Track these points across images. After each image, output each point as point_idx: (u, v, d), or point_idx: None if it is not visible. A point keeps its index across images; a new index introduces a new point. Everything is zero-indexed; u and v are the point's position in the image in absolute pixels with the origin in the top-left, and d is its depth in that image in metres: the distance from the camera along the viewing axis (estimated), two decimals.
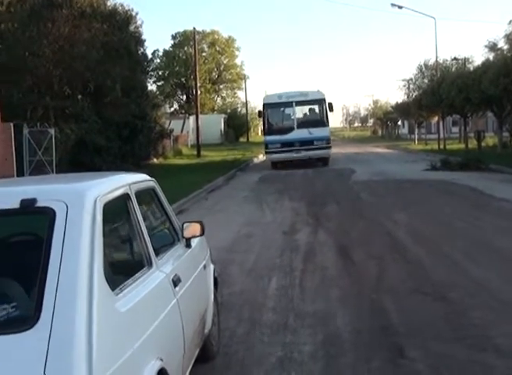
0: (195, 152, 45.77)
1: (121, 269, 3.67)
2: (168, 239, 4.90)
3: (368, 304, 7.58)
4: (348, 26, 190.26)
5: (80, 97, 28.99)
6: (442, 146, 44.81)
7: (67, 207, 3.26)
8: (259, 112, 34.91)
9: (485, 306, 7.24)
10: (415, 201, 16.53)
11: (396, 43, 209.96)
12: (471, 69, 47.48)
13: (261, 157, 40.56)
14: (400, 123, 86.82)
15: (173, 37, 75.35)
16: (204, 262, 5.70)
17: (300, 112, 33.86)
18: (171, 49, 73.90)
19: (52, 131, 23.39)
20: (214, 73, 77.58)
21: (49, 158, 23.31)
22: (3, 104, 22.25)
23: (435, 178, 22.57)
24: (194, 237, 5.23)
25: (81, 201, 3.37)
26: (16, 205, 3.32)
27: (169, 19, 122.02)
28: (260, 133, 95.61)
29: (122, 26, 29.52)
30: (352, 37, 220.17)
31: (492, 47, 66.81)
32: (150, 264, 4.07)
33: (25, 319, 2.92)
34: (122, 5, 30.48)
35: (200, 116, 47.61)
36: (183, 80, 74.00)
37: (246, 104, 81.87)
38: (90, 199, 3.42)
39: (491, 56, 60.33)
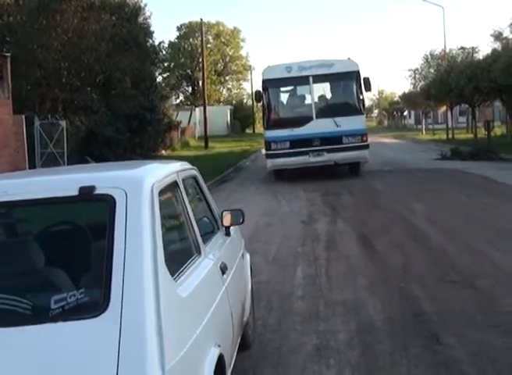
0: (202, 144, 45.77)
1: (176, 256, 3.67)
2: (210, 227, 4.90)
3: (396, 291, 7.62)
4: (354, 15, 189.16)
5: (89, 89, 29.03)
6: (450, 136, 44.70)
7: (126, 194, 3.25)
8: (256, 93, 22.74)
9: None
10: (430, 190, 16.52)
11: (401, 33, 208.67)
12: (478, 58, 47.46)
13: None
14: (406, 113, 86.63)
15: (178, 29, 75.45)
16: (241, 251, 5.72)
17: (321, 92, 22.36)
18: (176, 41, 73.78)
19: (63, 123, 23.49)
20: (219, 65, 77.53)
21: (60, 150, 23.40)
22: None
23: (448, 167, 22.55)
24: (234, 225, 5.23)
25: (140, 188, 3.37)
26: (74, 192, 3.31)
27: (174, 11, 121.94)
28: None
29: (131, 17, 29.58)
30: (357, 27, 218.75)
31: (498, 36, 66.74)
32: (199, 252, 4.08)
33: (94, 304, 2.93)
34: None
35: (206, 107, 47.56)
36: (188, 71, 73.96)
37: (252, 95, 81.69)
38: (148, 186, 3.42)
39: (496, 45, 60.31)
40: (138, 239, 3.12)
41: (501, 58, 29.62)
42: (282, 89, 22.82)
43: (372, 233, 11.22)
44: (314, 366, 5.52)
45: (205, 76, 46.90)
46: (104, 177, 3.71)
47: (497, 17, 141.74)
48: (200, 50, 67.50)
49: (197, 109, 60.19)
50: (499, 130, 44.34)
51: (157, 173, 3.85)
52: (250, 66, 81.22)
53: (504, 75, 28.43)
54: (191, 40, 73.75)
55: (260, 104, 23.41)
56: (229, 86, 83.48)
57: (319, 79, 21.22)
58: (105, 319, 2.85)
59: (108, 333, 2.80)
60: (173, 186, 4.03)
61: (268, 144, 21.10)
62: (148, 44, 31.64)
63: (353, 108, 20.99)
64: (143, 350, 2.78)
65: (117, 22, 28.02)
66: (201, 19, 48.29)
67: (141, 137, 30.60)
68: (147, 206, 3.30)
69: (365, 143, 20.61)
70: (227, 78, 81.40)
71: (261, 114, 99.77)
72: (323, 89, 22.32)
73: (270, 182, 21.17)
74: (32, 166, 21.54)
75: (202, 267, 3.97)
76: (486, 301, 7.06)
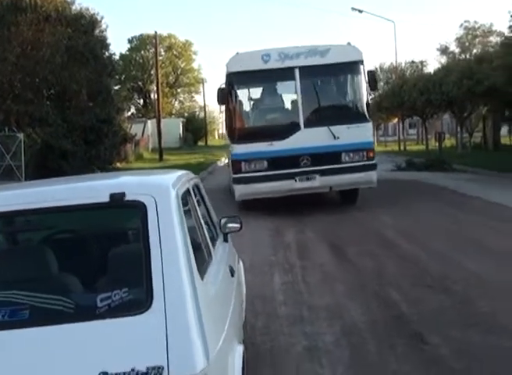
0: (156, 156, 45.73)
1: (198, 258, 3.92)
2: (212, 233, 5.16)
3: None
4: (305, 28, 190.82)
5: (44, 101, 28.87)
6: (402, 147, 45.62)
7: (155, 201, 3.47)
8: (219, 92, 15.81)
9: (486, 296, 7.66)
10: (392, 200, 16.82)
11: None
12: (427, 71, 48.59)
13: (224, 160, 40.63)
14: None
15: (129, 41, 75.35)
16: (237, 256, 5.98)
17: (312, 90, 15.62)
18: (127, 53, 73.61)
19: (21, 136, 23.40)
20: (171, 77, 77.58)
21: (18, 163, 23.29)
22: None
23: (405, 178, 23.00)
24: (232, 232, 5.49)
25: (168, 194, 3.62)
26: (105, 198, 3.53)
27: (124, 23, 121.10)
28: (218, 137, 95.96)
29: (88, 29, 29.51)
30: (310, 40, 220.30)
31: (444, 50, 68.32)
32: (210, 255, 4.34)
33: (139, 302, 3.16)
34: (87, 9, 30.50)
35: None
36: (139, 83, 73.86)
37: (204, 107, 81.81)
38: (174, 193, 3.68)
39: (442, 59, 61.69)
40: (172, 241, 3.36)
41: (453, 73, 30.43)
42: (257, 86, 16.90)
43: (345, 244, 11.55)
44: (308, 365, 5.81)
45: (159, 88, 46.88)
46: (132, 184, 3.94)
47: (443, 32, 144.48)
48: (151, 62, 67.91)
49: (149, 122, 60.10)
50: (448, 141, 45.38)
51: (176, 180, 4.10)
52: (202, 79, 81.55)
53: (456, 88, 29.27)
54: (142, 52, 73.72)
55: (224, 107, 16.57)
56: (181, 98, 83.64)
57: (309, 72, 15.08)
58: (151, 316, 3.08)
59: (155, 328, 3.03)
60: (187, 193, 4.29)
61: (236, 165, 15.04)
62: (105, 56, 31.60)
63: (357, 114, 15.47)
64: (189, 343, 3.02)
65: (73, 34, 27.93)
66: (156, 32, 48.32)
67: (98, 150, 30.48)
68: (176, 211, 3.55)
69: (372, 162, 15.10)
70: (179, 91, 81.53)
71: (213, 126, 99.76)
72: (314, 86, 15.73)
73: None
74: None
75: (217, 269, 4.23)
76: (462, 303, 7.44)
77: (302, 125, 14.82)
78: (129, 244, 3.95)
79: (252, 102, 17.17)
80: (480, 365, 5.59)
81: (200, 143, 77.11)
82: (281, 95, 16.88)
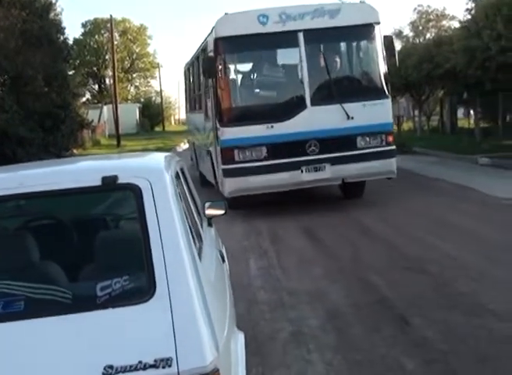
0: (113, 142, 45.43)
1: (193, 242, 3.78)
2: (200, 217, 5.00)
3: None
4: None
5: None
6: None
7: (150, 184, 3.31)
8: (206, 62, 12.95)
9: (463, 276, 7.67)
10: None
11: None
12: None
13: (183, 145, 40.31)
14: None
15: (83, 26, 74.07)
16: (220, 240, 5.84)
17: (319, 58, 12.98)
18: (81, 38, 72.46)
19: None
20: (126, 62, 76.43)
21: None
22: None
23: None
24: (217, 216, 5.35)
25: (162, 177, 3.47)
26: (97, 182, 3.35)
27: (77, 7, 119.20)
28: (175, 123, 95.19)
29: (42, 13, 28.88)
30: None
31: (398, 34, 68.73)
32: (201, 239, 4.19)
33: (141, 290, 3.00)
34: None
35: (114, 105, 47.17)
36: (94, 69, 72.85)
37: (160, 93, 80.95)
38: (168, 175, 3.54)
39: (397, 44, 61.95)
40: (171, 225, 3.21)
41: (411, 56, 30.52)
42: (252, 55, 13.61)
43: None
44: (295, 351, 5.71)
45: (115, 74, 46.31)
46: (124, 167, 3.77)
47: (397, 16, 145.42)
48: (106, 47, 67.08)
49: (105, 107, 59.42)
50: (406, 125, 45.67)
51: (167, 163, 3.94)
52: (157, 64, 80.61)
53: (416, 72, 29.41)
54: (97, 37, 72.71)
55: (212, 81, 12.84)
56: (137, 84, 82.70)
57: (316, 36, 12.49)
58: (155, 304, 2.93)
59: (160, 317, 2.88)
60: (177, 176, 4.13)
61: (226, 153, 12.35)
62: (60, 40, 30.98)
63: (374, 88, 12.84)
64: (198, 332, 2.87)
65: (28, 17, 27.34)
66: (111, 16, 47.84)
67: (55, 136, 29.94)
68: (172, 194, 3.41)
69: (392, 147, 12.76)
70: (134, 76, 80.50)
71: (169, 112, 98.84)
72: (323, 54, 12.87)
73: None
74: None
75: (210, 254, 4.09)
76: (440, 285, 7.42)
77: (308, 102, 12.17)
78: (125, 229, 3.79)
79: (246, 75, 13.93)
80: (466, 346, 5.55)
81: (157, 128, 76.50)
82: (282, 66, 13.73)
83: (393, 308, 6.68)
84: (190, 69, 19.08)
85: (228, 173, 12.23)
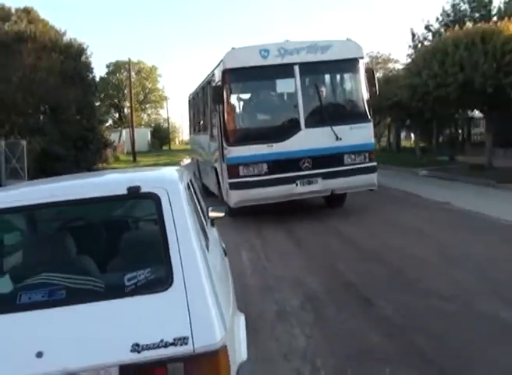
0: (130, 158, 45.30)
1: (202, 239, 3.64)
2: (205, 219, 4.84)
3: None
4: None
5: (41, 115, 28.21)
6: None
7: (168, 192, 3.19)
8: (216, 90, 12.03)
9: (413, 265, 7.54)
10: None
11: None
12: None
13: (186, 161, 40.07)
14: None
15: (107, 66, 73.98)
16: (220, 238, 5.67)
17: (312, 87, 12.32)
18: (106, 76, 72.14)
19: (24, 143, 22.67)
20: (140, 95, 76.23)
21: (21, 165, 22.55)
22: None
23: None
24: (218, 218, 5.19)
25: (177, 187, 3.34)
26: (123, 191, 3.22)
27: (102, 50, 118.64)
28: (178, 143, 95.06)
29: (76, 56, 28.87)
30: None
31: None
32: (207, 237, 4.04)
33: (161, 281, 2.86)
34: (75, 39, 29.94)
35: (131, 129, 47.14)
36: (115, 100, 72.57)
37: (168, 119, 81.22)
38: (182, 185, 3.41)
39: None
40: (185, 226, 3.08)
41: None
42: (255, 84, 12.77)
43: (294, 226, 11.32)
44: (280, 326, 5.56)
45: (132, 105, 46.07)
46: (145, 179, 3.62)
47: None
48: (125, 83, 66.88)
49: (123, 131, 59.36)
50: None
51: (180, 175, 3.80)
52: (165, 97, 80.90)
53: None
54: (117, 75, 72.48)
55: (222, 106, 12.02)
56: (149, 112, 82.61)
57: (310, 69, 12.01)
58: (173, 292, 2.80)
59: (178, 303, 2.75)
60: (188, 186, 3.99)
61: (232, 169, 11.65)
62: (89, 78, 30.94)
63: (359, 113, 12.15)
64: (209, 315, 2.74)
65: (65, 60, 27.31)
66: (129, 59, 47.54)
67: (84, 154, 29.92)
68: (185, 201, 3.27)
69: (373, 163, 12.04)
70: (147, 106, 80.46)
71: (175, 134, 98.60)
72: (315, 84, 12.23)
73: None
74: None
75: (215, 248, 3.94)
76: (398, 272, 7.28)
77: (303, 125, 11.53)
78: (146, 230, 3.63)
79: (249, 101, 12.89)
80: (424, 323, 5.42)
81: (165, 147, 76.29)
82: (280, 93, 13.12)
83: (358, 292, 6.54)
84: (195, 97, 18.23)
85: (233, 186, 11.56)
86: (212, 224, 5.15)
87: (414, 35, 32.59)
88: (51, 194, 3.27)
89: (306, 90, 11.93)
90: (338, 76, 13.05)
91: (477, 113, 28.09)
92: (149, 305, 2.78)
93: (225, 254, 4.35)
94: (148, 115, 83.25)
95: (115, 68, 72.43)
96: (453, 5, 32.41)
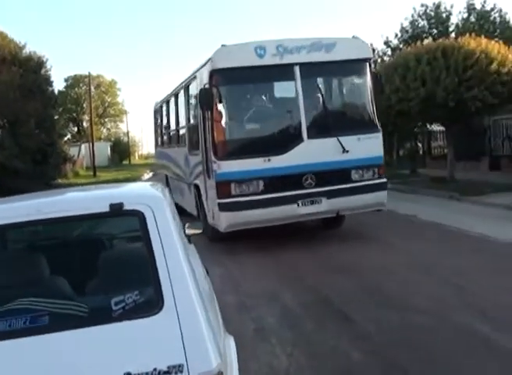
0: (90, 173, 44.61)
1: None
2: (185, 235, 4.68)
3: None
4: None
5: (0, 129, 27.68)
6: None
7: (152, 210, 3.02)
8: (202, 94, 9.79)
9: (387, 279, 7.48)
10: None
11: None
12: None
13: (146, 175, 39.65)
14: None
15: (65, 80, 72.94)
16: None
17: (315, 92, 10.27)
18: (64, 90, 71.08)
19: None
20: (100, 109, 75.34)
21: None
22: None
23: None
24: (195, 234, 5.03)
25: (161, 203, 3.18)
26: (105, 208, 3.04)
27: (59, 63, 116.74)
28: (138, 157, 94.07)
29: (36, 69, 28.48)
30: None
31: None
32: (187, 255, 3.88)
33: (151, 304, 2.69)
34: (35, 52, 29.40)
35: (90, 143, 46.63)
36: (74, 114, 71.56)
37: (127, 133, 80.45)
38: (165, 201, 3.25)
39: None
40: (173, 245, 2.93)
41: None
42: (248, 87, 10.84)
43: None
44: (260, 344, 5.41)
45: (92, 119, 45.49)
46: (128, 195, 3.43)
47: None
48: (84, 97, 66.08)
49: (83, 145, 58.50)
50: None
51: (162, 191, 3.64)
52: (125, 111, 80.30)
53: None
54: (76, 89, 71.58)
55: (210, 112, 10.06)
56: (108, 126, 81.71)
57: (313, 70, 10.20)
58: (164, 316, 2.63)
59: (170, 327, 2.59)
60: (170, 201, 3.83)
61: (222, 187, 9.75)
62: (49, 91, 30.52)
63: (367, 122, 10.50)
64: (204, 340, 2.58)
65: (24, 73, 26.83)
66: (89, 73, 46.82)
67: (43, 168, 29.39)
68: (170, 218, 3.12)
69: (383, 179, 10.38)
70: (106, 120, 79.59)
71: (135, 148, 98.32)
72: (319, 88, 10.43)
73: None
74: None
75: (198, 268, 3.79)
76: (373, 287, 7.20)
77: (305, 135, 9.74)
78: (132, 249, 3.45)
79: (243, 107, 10.71)
80: (402, 338, 5.35)
81: (125, 162, 75.45)
82: (279, 99, 11.11)
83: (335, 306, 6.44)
84: (164, 106, 15.98)
85: (224, 208, 9.63)
86: (189, 241, 4.98)
87: (373, 50, 33.10)
88: (26, 212, 3.06)
89: (308, 94, 10.07)
90: (344, 79, 11.21)
91: (435, 127, 28.52)
92: (139, 330, 2.60)
93: (207, 273, 4.19)
94: (108, 129, 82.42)
95: (74, 81, 71.48)
96: (412, 22, 33.02)
